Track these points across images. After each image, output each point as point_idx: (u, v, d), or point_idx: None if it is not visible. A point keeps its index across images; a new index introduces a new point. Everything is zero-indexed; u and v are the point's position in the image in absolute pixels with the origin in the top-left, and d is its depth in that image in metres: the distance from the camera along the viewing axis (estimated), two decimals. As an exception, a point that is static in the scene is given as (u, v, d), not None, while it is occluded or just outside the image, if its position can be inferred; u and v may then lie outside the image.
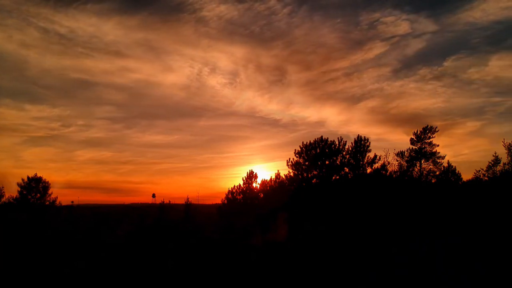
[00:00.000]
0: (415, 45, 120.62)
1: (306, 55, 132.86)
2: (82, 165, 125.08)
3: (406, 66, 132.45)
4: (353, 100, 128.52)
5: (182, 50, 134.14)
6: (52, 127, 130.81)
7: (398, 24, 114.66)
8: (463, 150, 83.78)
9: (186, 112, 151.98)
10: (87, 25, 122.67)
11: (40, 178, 37.63)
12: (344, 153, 29.69)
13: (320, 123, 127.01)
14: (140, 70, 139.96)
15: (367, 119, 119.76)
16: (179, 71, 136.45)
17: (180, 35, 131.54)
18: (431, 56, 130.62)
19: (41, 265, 18.45)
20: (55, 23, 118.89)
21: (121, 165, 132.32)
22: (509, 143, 26.63)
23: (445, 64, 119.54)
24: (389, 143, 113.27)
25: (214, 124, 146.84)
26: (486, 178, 27.78)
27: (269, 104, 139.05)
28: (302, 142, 30.20)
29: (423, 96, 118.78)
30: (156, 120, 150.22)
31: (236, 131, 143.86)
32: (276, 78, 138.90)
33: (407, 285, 13.44)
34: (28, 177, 37.25)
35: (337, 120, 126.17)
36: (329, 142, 29.72)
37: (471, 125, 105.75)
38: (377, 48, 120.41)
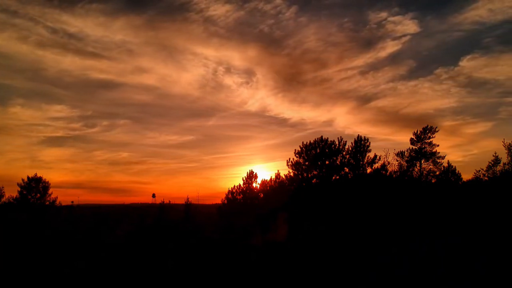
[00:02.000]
0: (427, 44, 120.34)
1: (319, 54, 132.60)
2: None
3: (421, 66, 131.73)
4: (364, 99, 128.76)
5: (193, 49, 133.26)
6: (72, 127, 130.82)
7: (406, 23, 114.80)
8: (473, 150, 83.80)
9: (190, 112, 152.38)
10: (95, 24, 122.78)
11: (40, 178, 37.62)
12: (344, 153, 29.70)
13: (328, 123, 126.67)
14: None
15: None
16: (191, 71, 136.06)
17: (190, 34, 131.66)
18: (445, 56, 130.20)
19: (41, 265, 18.45)
20: (63, 23, 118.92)
21: (126, 165, 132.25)
22: (509, 143, 26.67)
23: (461, 64, 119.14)
24: (394, 143, 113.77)
25: (217, 124, 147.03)
26: (486, 178, 27.78)
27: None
28: (302, 142, 30.24)
29: (436, 96, 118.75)
30: (161, 120, 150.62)
31: (238, 131, 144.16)
32: (291, 77, 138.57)
33: (407, 285, 13.44)
34: (28, 177, 37.25)
35: (346, 120, 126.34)
36: (329, 142, 29.73)
37: (483, 125, 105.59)
38: (390, 47, 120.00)
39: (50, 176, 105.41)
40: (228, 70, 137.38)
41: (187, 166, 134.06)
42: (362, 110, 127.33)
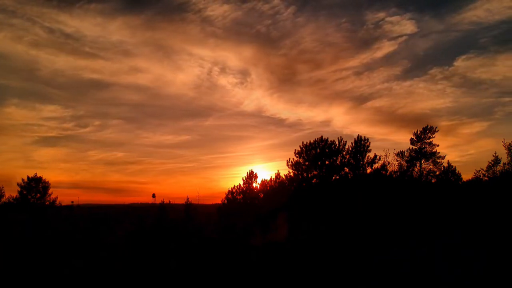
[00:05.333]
0: (423, 45, 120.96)
1: (314, 54, 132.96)
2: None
3: (416, 66, 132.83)
4: (360, 100, 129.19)
5: (190, 50, 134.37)
6: (64, 127, 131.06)
7: (403, 24, 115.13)
8: (470, 150, 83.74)
9: (186, 112, 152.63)
10: (92, 25, 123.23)
11: (40, 178, 37.54)
12: (344, 153, 29.69)
13: (325, 123, 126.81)
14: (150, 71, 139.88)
15: (371, 119, 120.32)
16: (186, 71, 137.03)
17: (187, 34, 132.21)
18: (440, 56, 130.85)
19: (41, 265, 18.45)
20: (60, 23, 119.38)
21: (122, 165, 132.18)
22: (509, 143, 26.67)
23: (455, 64, 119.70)
24: (393, 143, 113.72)
25: (214, 124, 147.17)
26: (486, 178, 27.77)
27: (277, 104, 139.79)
28: (302, 142, 30.24)
29: (431, 96, 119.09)
30: (155, 120, 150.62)
31: (236, 131, 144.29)
32: (286, 78, 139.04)
33: (407, 285, 13.44)
34: (28, 177, 37.17)
35: (343, 120, 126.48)
36: (329, 142, 29.72)
37: (478, 125, 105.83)
38: (386, 48, 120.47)
39: (45, 176, 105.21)
40: (223, 70, 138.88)
41: (185, 166, 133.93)
42: (359, 110, 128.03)
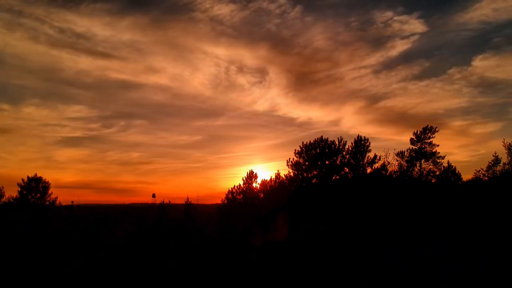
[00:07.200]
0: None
1: (329, 53, 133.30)
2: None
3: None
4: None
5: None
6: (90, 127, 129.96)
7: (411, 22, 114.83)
8: (481, 150, 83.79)
9: (197, 112, 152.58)
10: (101, 24, 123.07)
11: (40, 178, 37.54)
12: (344, 153, 29.69)
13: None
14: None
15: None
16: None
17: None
18: (457, 56, 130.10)
19: (41, 265, 18.45)
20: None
21: (121, 165, 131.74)
22: (509, 143, 26.66)
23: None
24: (399, 143, 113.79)
25: (214, 124, 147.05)
26: (486, 178, 27.77)
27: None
28: (302, 142, 30.24)
29: (446, 96, 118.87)
30: (168, 120, 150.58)
31: (236, 131, 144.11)
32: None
33: (407, 285, 13.44)
34: (28, 177, 37.19)
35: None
36: (329, 142, 29.72)
37: (492, 125, 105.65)
38: (400, 46, 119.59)
39: (61, 176, 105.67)
40: (241, 69, 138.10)
41: (192, 166, 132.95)
42: (370, 110, 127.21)
